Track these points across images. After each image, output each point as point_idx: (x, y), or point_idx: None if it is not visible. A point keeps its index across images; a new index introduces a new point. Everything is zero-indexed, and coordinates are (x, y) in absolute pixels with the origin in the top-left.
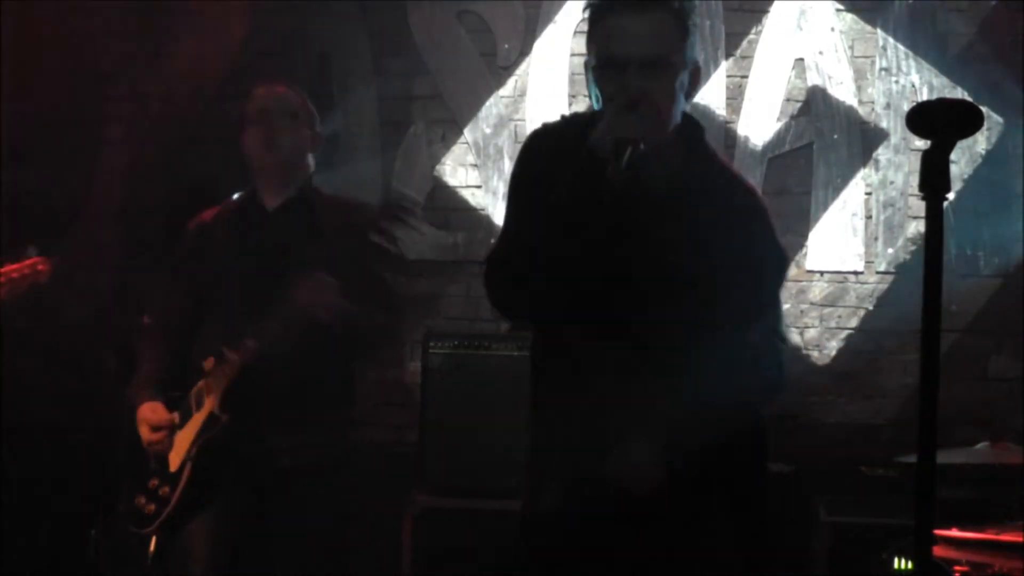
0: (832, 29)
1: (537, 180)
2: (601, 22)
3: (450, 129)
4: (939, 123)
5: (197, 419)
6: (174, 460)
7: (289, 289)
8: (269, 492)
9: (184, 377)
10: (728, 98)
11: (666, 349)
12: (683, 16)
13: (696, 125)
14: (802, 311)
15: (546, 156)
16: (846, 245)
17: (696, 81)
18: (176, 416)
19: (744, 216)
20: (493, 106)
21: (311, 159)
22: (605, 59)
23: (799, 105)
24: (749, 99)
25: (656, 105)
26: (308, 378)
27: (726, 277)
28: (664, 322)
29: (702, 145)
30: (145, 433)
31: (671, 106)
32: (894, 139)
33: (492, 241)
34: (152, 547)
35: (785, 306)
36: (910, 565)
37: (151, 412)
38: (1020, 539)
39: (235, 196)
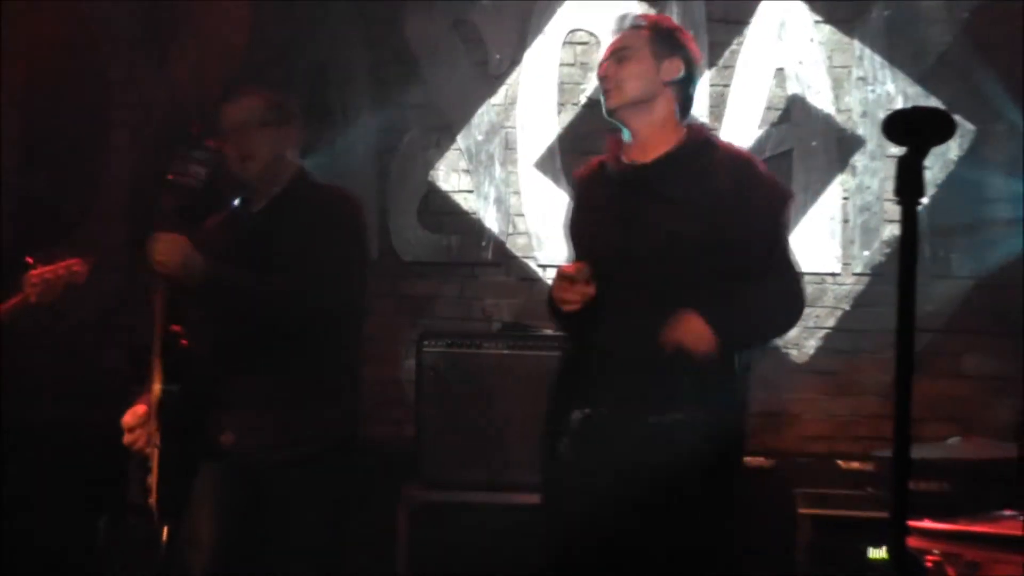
0: (811, 40)
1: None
2: None
3: (443, 135)
4: (914, 130)
5: (152, 399)
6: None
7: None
8: (265, 486)
9: None
10: (711, 106)
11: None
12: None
13: (703, 127)
14: None
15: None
16: (824, 248)
17: (672, 67)
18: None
19: (750, 188)
20: (485, 114)
21: (295, 154)
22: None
23: (779, 113)
24: (731, 107)
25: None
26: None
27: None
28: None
29: (710, 139)
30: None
31: (635, 86)
32: (870, 146)
33: (483, 244)
34: (164, 537)
35: None
36: (885, 555)
37: (129, 414)
38: (990, 530)
39: (235, 203)
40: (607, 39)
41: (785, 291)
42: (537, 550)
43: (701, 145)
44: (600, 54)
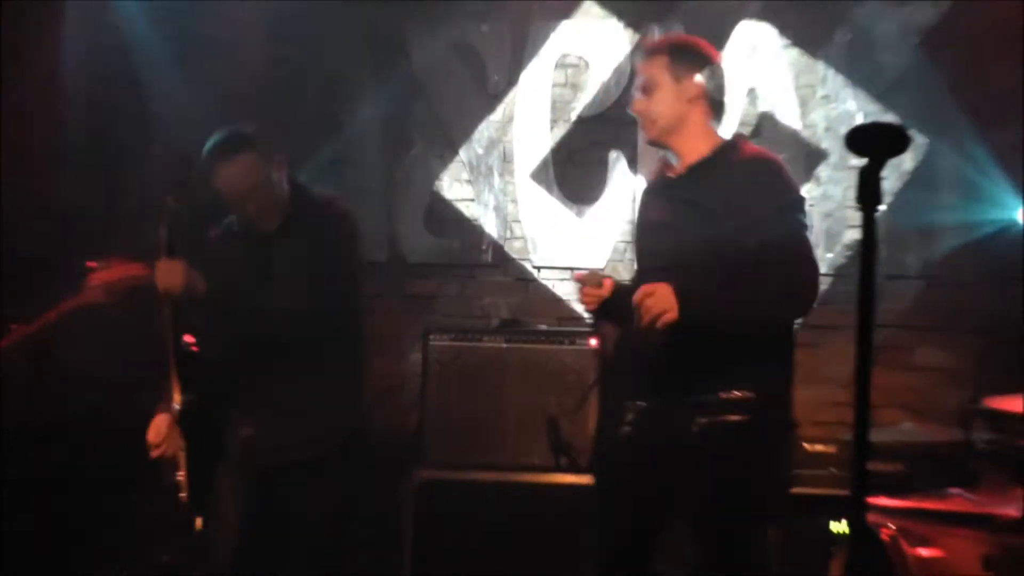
0: (779, 61)
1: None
2: None
3: (447, 149)
4: (873, 144)
5: (173, 411)
6: (177, 455)
7: None
8: (278, 481)
9: None
10: None
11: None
12: (677, 50)
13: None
14: None
15: None
16: None
17: (692, 89)
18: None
19: (765, 187)
20: (484, 129)
21: (284, 186)
22: None
23: (751, 129)
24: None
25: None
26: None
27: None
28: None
29: (735, 144)
30: (151, 436)
31: (662, 112)
32: (833, 158)
33: (483, 247)
34: (198, 525)
35: None
36: (846, 528)
37: (152, 432)
38: (938, 507)
39: (228, 220)
40: (599, 63)
41: (791, 276)
42: (535, 525)
43: (729, 151)
44: (589, 75)
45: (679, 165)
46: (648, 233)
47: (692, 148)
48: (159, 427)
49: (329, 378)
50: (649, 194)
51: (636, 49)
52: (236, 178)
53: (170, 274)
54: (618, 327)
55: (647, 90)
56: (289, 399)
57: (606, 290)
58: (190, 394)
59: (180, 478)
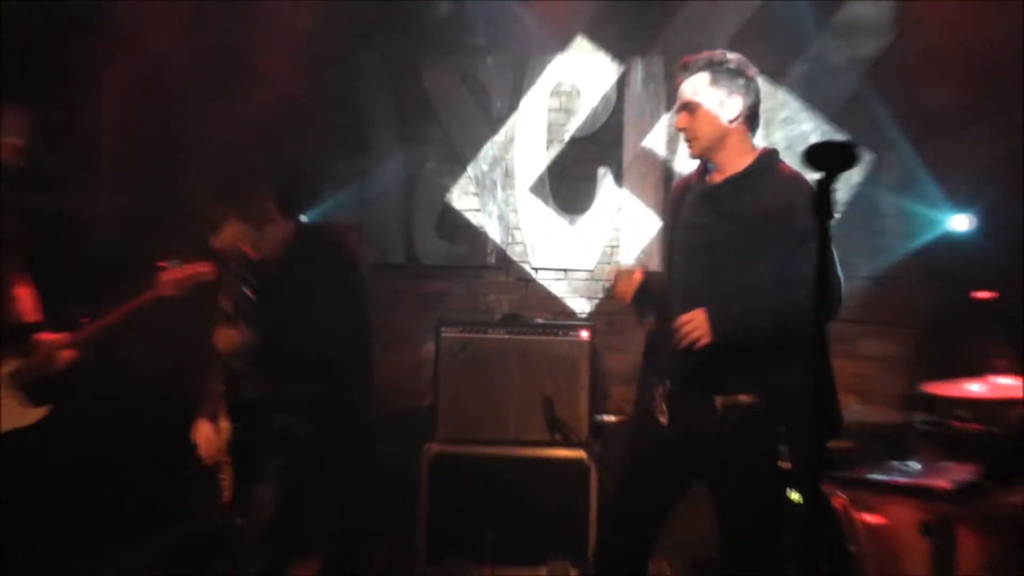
0: None
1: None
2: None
3: (456, 166)
4: (827, 160)
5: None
6: (226, 473)
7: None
8: (310, 453)
9: None
10: (668, 142)
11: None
12: (722, 70)
13: (771, 150)
14: None
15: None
16: None
17: (735, 111)
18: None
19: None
20: (489, 149)
21: (278, 232)
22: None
23: None
24: (684, 143)
25: (690, 131)
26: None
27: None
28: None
29: (774, 158)
30: (199, 441)
31: (707, 128)
32: None
33: (487, 251)
34: (240, 525)
35: None
36: (801, 497)
37: (198, 435)
38: (882, 478)
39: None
40: (589, 91)
41: (800, 296)
42: (534, 494)
43: (764, 168)
44: (580, 102)
45: (719, 175)
46: (682, 232)
47: (732, 161)
48: (204, 434)
49: (339, 376)
50: (687, 196)
51: (680, 68)
52: (228, 243)
53: (228, 340)
54: (652, 312)
55: (692, 110)
56: (312, 393)
57: (636, 281)
58: (237, 423)
59: (224, 481)
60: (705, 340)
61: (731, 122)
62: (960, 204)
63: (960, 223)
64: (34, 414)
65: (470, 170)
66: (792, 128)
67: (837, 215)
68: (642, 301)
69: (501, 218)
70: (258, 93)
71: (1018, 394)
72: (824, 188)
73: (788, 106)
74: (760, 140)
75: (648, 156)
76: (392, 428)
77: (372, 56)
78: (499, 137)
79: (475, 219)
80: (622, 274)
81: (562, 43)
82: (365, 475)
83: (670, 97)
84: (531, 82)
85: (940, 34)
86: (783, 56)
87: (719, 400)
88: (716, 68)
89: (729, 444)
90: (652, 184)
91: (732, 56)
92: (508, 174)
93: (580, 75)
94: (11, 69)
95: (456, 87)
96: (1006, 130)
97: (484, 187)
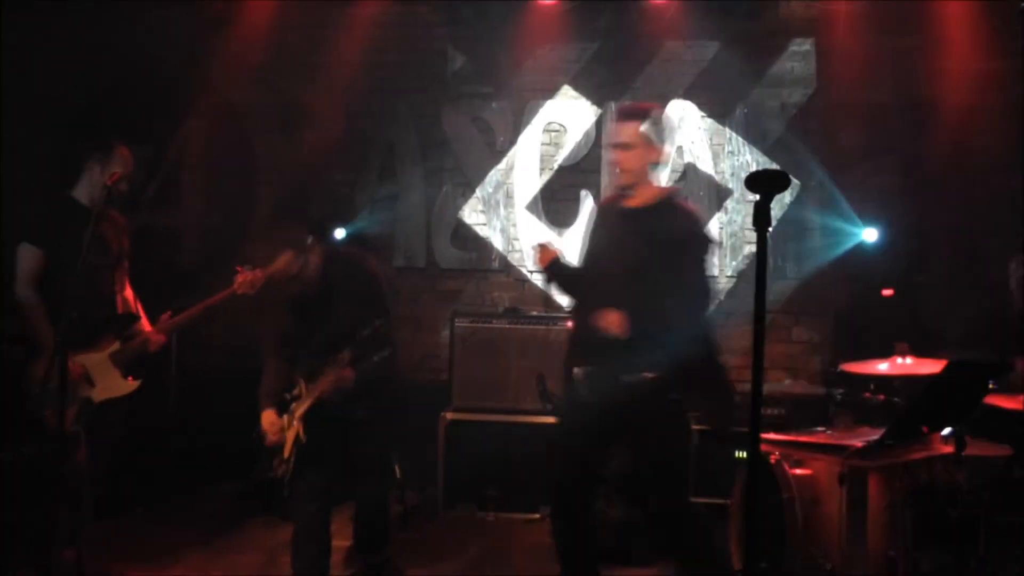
0: (699, 127)
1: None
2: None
3: (467, 189)
4: (763, 184)
5: (291, 435)
6: (285, 450)
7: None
8: (352, 429)
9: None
10: None
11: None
12: (647, 120)
13: (676, 190)
14: None
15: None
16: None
17: (659, 155)
18: (284, 420)
19: (695, 236)
20: (493, 175)
21: (316, 255)
22: (608, 143)
23: (679, 174)
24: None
25: (623, 164)
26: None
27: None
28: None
29: (677, 196)
30: (266, 430)
31: (636, 163)
32: (736, 194)
33: (492, 257)
34: (286, 453)
35: None
36: (745, 455)
37: (265, 422)
38: (808, 440)
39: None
40: (573, 129)
41: (693, 302)
42: (530, 453)
43: (669, 201)
44: (566, 137)
45: (634, 201)
46: (601, 244)
47: (646, 193)
48: (271, 419)
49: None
50: (607, 216)
51: (619, 110)
52: (290, 269)
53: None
54: (560, 287)
55: (626, 148)
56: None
57: (552, 255)
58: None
59: (285, 455)
60: (620, 335)
61: (652, 164)
62: (868, 220)
63: (868, 235)
64: (130, 385)
65: (478, 192)
66: (735, 159)
67: (771, 227)
68: (553, 270)
69: (503, 231)
70: (312, 134)
71: (915, 371)
72: (762, 207)
73: (732, 141)
74: (710, 169)
75: None
76: (416, 398)
77: (401, 104)
78: (501, 165)
79: (482, 231)
80: (545, 248)
81: (552, 91)
82: (400, 439)
83: None
84: (527, 122)
85: (851, 87)
86: (728, 101)
87: (626, 378)
88: (651, 120)
89: (634, 409)
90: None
91: (661, 112)
92: (509, 195)
93: (566, 116)
94: (115, 113)
95: (467, 126)
96: (902, 163)
97: (490, 206)
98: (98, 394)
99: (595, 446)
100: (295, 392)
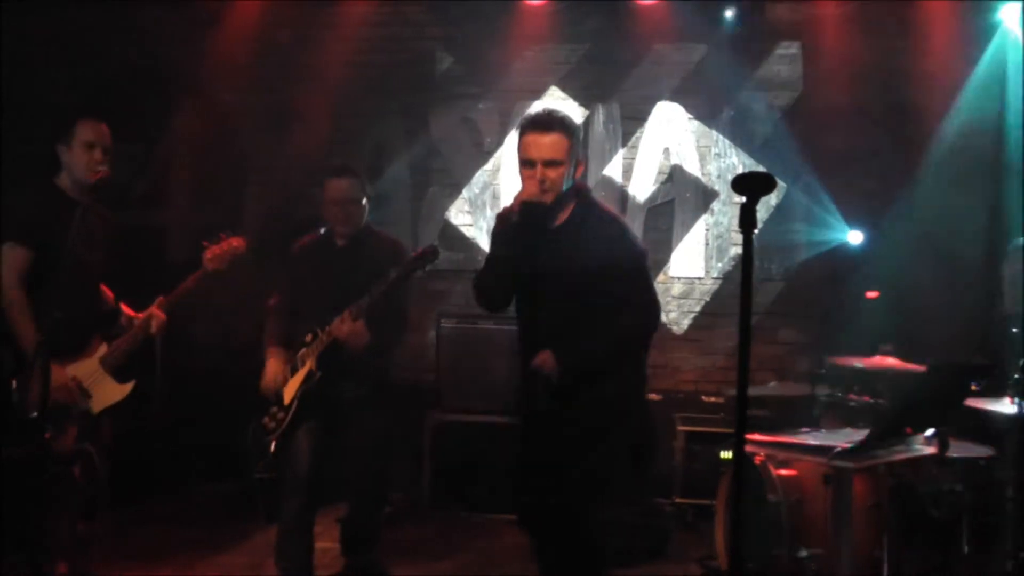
0: (686, 130)
1: (495, 237)
2: (523, 137)
3: (454, 190)
4: (750, 186)
5: (301, 373)
6: (287, 396)
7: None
8: (340, 415)
9: (293, 342)
10: (623, 172)
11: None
12: (571, 133)
13: (584, 188)
14: (667, 301)
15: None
16: (693, 261)
17: (579, 171)
18: (288, 369)
19: (619, 247)
20: (480, 176)
21: (366, 212)
22: (524, 159)
23: (666, 176)
24: (636, 173)
25: (552, 183)
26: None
27: (601, 281)
28: (562, 309)
29: (589, 198)
30: (269, 376)
31: (561, 184)
32: (723, 196)
33: (479, 258)
34: (272, 448)
35: None
36: (730, 455)
37: (274, 366)
38: (793, 440)
39: (321, 231)
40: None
41: (640, 317)
42: (512, 453)
43: (585, 210)
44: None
45: (560, 218)
46: (530, 273)
47: (565, 207)
48: (274, 369)
49: (377, 339)
50: (508, 226)
51: (534, 119)
52: (346, 190)
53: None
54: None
55: (553, 166)
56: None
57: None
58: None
59: (287, 402)
60: (556, 374)
61: (573, 175)
62: (854, 222)
63: (854, 237)
64: (125, 389)
65: (465, 193)
66: (722, 161)
67: (757, 229)
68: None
69: (490, 232)
70: (301, 133)
71: (899, 373)
72: (748, 209)
73: (719, 144)
74: (696, 171)
75: (607, 182)
76: (402, 398)
77: (389, 104)
78: (488, 166)
79: (469, 232)
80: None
81: (539, 92)
82: (392, 430)
83: (625, 136)
84: (514, 123)
85: (837, 90)
86: (715, 104)
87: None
88: (572, 134)
89: (573, 425)
90: (610, 204)
91: (576, 124)
92: (496, 196)
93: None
94: (104, 111)
95: (455, 127)
96: (886, 167)
97: (476, 207)
98: (96, 405)
99: (550, 454)
100: (307, 338)
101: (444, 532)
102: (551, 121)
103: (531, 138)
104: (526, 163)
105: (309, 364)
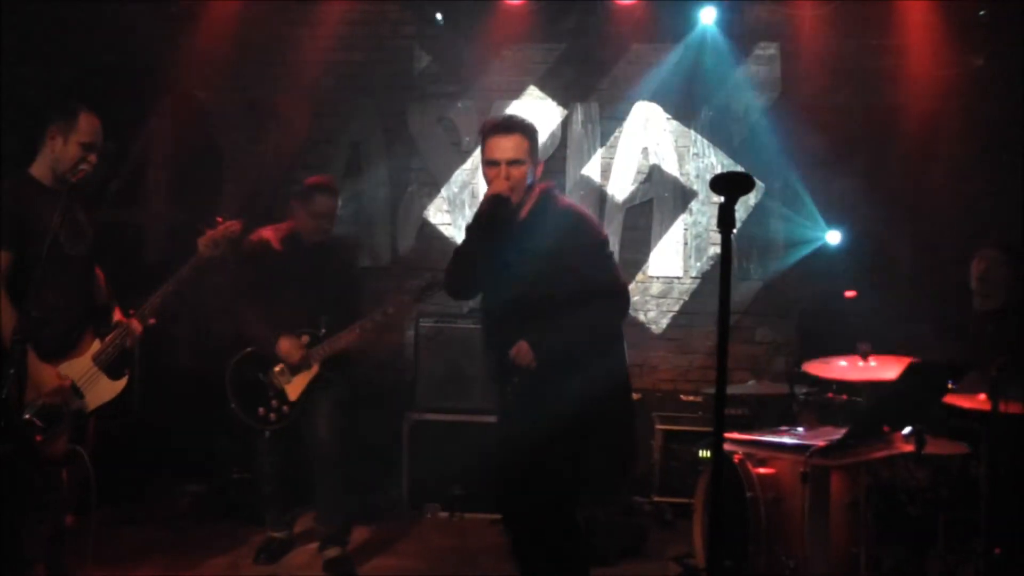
0: (664, 129)
1: (466, 231)
2: (486, 140)
3: (432, 189)
4: (728, 186)
5: (308, 375)
6: (292, 394)
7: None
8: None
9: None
10: (602, 171)
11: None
12: (530, 135)
13: (545, 185)
14: (645, 301)
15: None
16: (672, 261)
17: (539, 170)
18: (305, 350)
19: (578, 233)
20: (458, 175)
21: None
22: (488, 160)
23: (644, 176)
24: (615, 172)
25: (516, 181)
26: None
27: (566, 272)
28: (529, 299)
29: (550, 192)
30: (285, 349)
31: (524, 182)
32: (701, 196)
33: None
34: (267, 436)
35: (634, 298)
36: (709, 454)
37: (286, 346)
38: (771, 439)
39: (284, 227)
40: (539, 129)
41: (610, 303)
42: (489, 452)
43: (545, 203)
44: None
45: (523, 212)
46: (499, 264)
47: (527, 202)
48: (290, 344)
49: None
50: (495, 229)
51: (497, 124)
52: (330, 208)
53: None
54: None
55: (516, 165)
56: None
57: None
58: None
59: (293, 399)
60: (532, 364)
61: (534, 177)
62: (832, 222)
63: (832, 237)
64: (119, 386)
65: (444, 192)
66: (701, 161)
67: (736, 229)
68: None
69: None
70: (278, 132)
71: (876, 371)
72: (726, 209)
73: (697, 144)
74: (675, 171)
75: (586, 181)
76: (381, 398)
77: (367, 102)
78: (467, 165)
79: (447, 231)
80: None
81: (518, 91)
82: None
83: (604, 136)
84: None
85: (815, 91)
86: (694, 104)
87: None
88: (532, 137)
89: (550, 424)
90: (589, 203)
91: (535, 128)
92: (474, 195)
93: (532, 117)
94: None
95: (433, 126)
96: (864, 167)
97: (455, 205)
98: (90, 404)
99: (525, 453)
100: (304, 339)
101: (423, 532)
102: (512, 124)
103: (494, 141)
104: (491, 163)
105: (316, 367)
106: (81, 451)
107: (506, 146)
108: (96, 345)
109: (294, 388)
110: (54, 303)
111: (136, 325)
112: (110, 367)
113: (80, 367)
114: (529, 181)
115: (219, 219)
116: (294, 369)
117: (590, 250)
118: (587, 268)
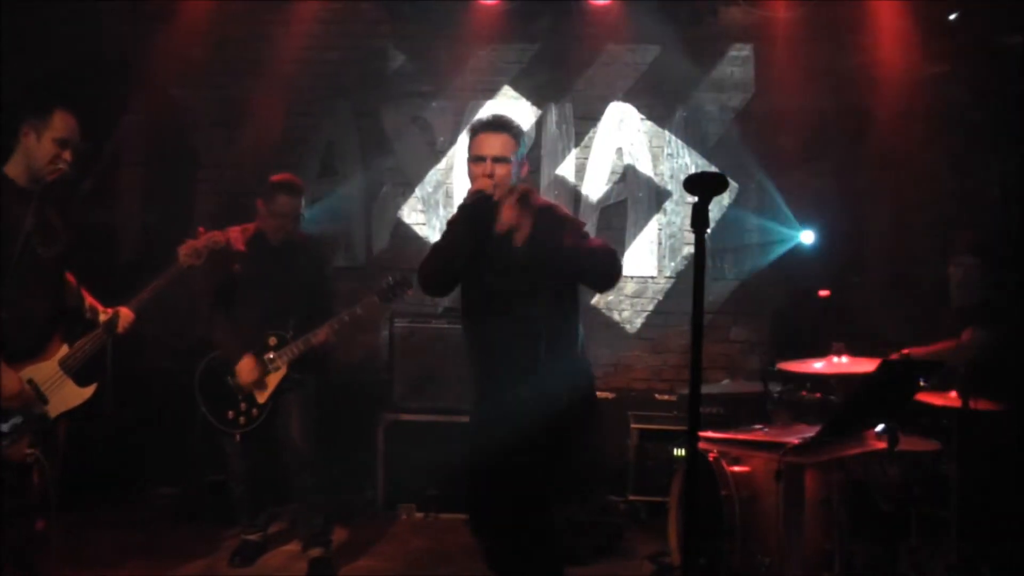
0: (638, 130)
1: (448, 225)
2: (474, 137)
3: (407, 189)
4: (702, 187)
5: (276, 376)
6: (261, 397)
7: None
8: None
9: (250, 339)
10: (576, 171)
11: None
12: (517, 135)
13: (529, 187)
14: (620, 300)
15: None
16: (646, 260)
17: (524, 168)
18: (263, 366)
19: (562, 221)
20: (433, 175)
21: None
22: (475, 155)
23: (619, 176)
24: (589, 172)
25: (500, 178)
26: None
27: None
28: (519, 293)
29: (532, 195)
30: (246, 372)
31: (508, 180)
32: (675, 196)
33: None
34: (237, 439)
35: (608, 298)
36: (684, 453)
37: (246, 367)
38: (745, 437)
39: (251, 227)
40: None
41: (604, 250)
42: (464, 451)
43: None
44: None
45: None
46: (488, 273)
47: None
48: (249, 366)
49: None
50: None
51: (486, 122)
52: (292, 208)
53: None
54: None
55: (501, 163)
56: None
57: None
58: None
59: (262, 401)
60: (524, 231)
61: (518, 177)
62: (804, 222)
63: (805, 237)
64: (86, 393)
65: (418, 191)
66: (675, 161)
67: (710, 229)
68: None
69: (442, 230)
70: (252, 131)
71: (849, 370)
72: (700, 209)
73: (672, 144)
74: (649, 171)
75: (560, 181)
76: (356, 398)
77: (341, 102)
78: (441, 165)
79: (422, 231)
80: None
81: (492, 91)
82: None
83: (578, 136)
84: (467, 121)
85: (789, 92)
86: (668, 104)
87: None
88: (517, 135)
89: (522, 425)
90: (564, 203)
91: (522, 129)
92: (448, 195)
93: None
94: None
95: (407, 125)
96: (836, 167)
97: (429, 205)
98: (53, 410)
99: (500, 457)
100: (272, 341)
101: (398, 532)
102: (501, 123)
103: (483, 137)
104: (477, 159)
105: (283, 369)
106: (39, 455)
107: (494, 143)
108: (64, 350)
109: (262, 391)
110: (24, 305)
111: (127, 312)
112: (78, 373)
113: (46, 371)
114: (513, 181)
115: (200, 229)
116: (255, 384)
117: (574, 230)
118: (573, 238)
